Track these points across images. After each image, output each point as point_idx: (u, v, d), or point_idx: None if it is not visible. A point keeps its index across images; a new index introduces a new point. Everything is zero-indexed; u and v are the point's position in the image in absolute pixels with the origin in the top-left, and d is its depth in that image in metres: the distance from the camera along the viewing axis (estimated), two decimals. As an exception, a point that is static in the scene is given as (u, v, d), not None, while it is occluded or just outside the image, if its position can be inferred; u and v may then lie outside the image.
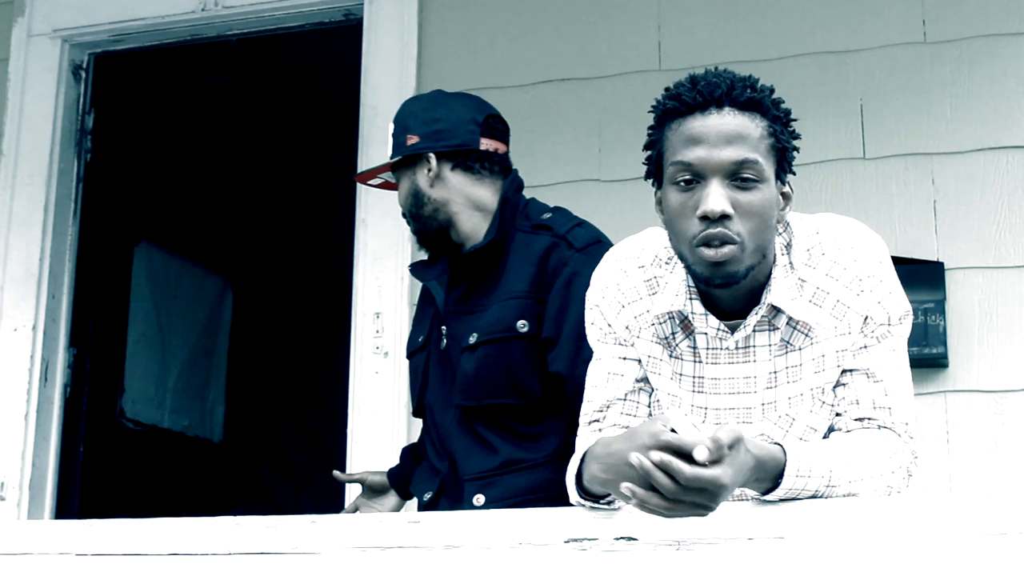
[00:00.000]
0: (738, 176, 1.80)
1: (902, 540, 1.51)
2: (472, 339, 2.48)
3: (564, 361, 2.40)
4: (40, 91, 3.99)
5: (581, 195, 3.20)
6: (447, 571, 1.62)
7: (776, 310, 1.89)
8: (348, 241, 3.66)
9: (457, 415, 2.50)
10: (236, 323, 6.02)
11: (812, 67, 3.37)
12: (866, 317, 1.89)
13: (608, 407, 1.99)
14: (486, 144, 2.60)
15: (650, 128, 1.90)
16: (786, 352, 1.91)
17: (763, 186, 1.82)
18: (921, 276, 3.10)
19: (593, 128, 3.50)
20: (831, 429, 1.95)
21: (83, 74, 4.10)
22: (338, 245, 4.17)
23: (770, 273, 1.89)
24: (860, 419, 1.89)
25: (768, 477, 1.66)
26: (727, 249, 1.79)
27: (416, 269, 2.70)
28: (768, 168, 1.83)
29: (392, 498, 2.83)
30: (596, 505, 1.75)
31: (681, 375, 1.95)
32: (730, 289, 1.85)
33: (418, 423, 2.92)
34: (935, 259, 3.16)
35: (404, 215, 2.66)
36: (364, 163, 3.58)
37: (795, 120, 1.90)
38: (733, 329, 1.91)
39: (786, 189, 1.90)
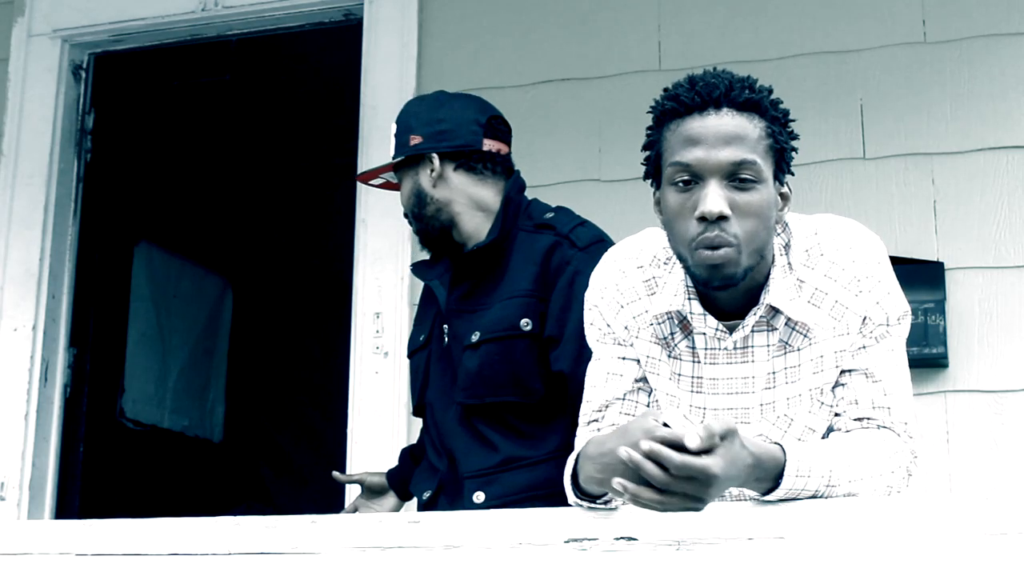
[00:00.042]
0: (736, 177, 1.81)
1: (902, 540, 1.51)
2: (475, 337, 2.48)
3: (567, 360, 2.40)
4: (40, 91, 3.99)
5: (581, 195, 3.20)
6: (447, 571, 1.62)
7: (775, 310, 1.89)
8: (348, 241, 3.66)
9: (458, 413, 2.51)
10: (236, 323, 6.02)
11: (812, 67, 3.37)
12: (865, 317, 1.89)
13: (607, 407, 1.99)
14: (489, 145, 2.61)
15: (648, 129, 1.90)
16: (784, 352, 1.91)
17: (761, 187, 1.82)
18: (921, 276, 3.10)
19: (593, 128, 3.50)
20: (830, 429, 1.95)
21: (83, 74, 4.10)
22: (338, 245, 4.17)
23: (769, 273, 1.89)
24: (859, 419, 1.89)
25: (768, 477, 1.66)
26: (723, 251, 1.79)
27: (418, 269, 2.71)
28: (766, 169, 1.83)
29: (391, 499, 2.83)
30: (593, 505, 1.75)
31: (680, 375, 1.95)
32: (728, 290, 1.85)
33: (418, 423, 2.93)
34: (935, 259, 3.16)
35: (406, 215, 2.67)
36: (364, 163, 3.58)
37: (794, 120, 1.90)
38: (732, 329, 1.91)
39: (784, 190, 1.90)
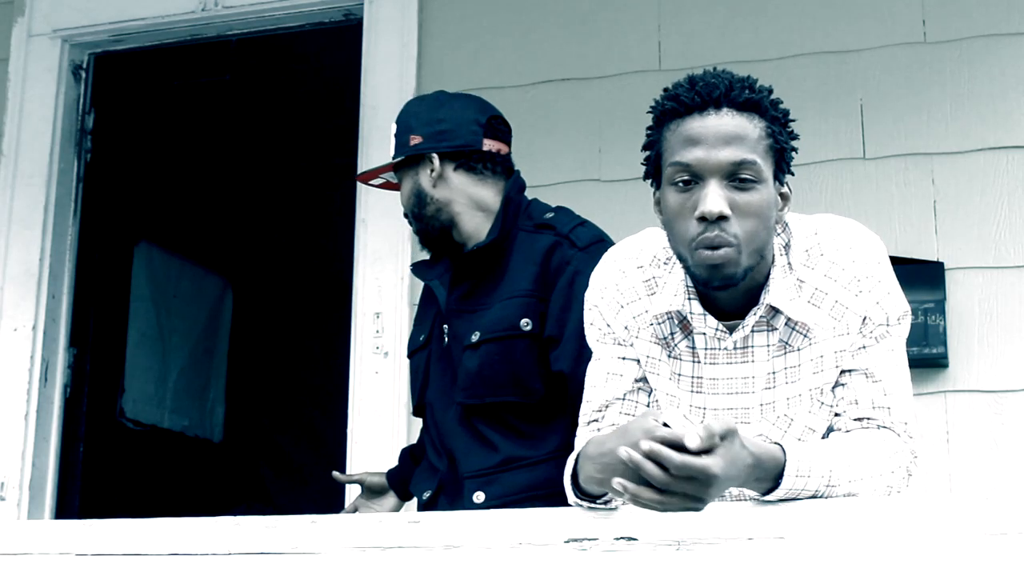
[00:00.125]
0: (736, 177, 1.81)
1: (902, 540, 1.51)
2: (475, 337, 2.48)
3: (567, 360, 2.40)
4: (40, 91, 3.99)
5: (581, 195, 3.20)
6: (447, 571, 1.62)
7: (775, 310, 1.89)
8: (348, 241, 3.66)
9: (458, 413, 2.51)
10: (236, 323, 6.02)
11: (812, 67, 3.37)
12: (864, 317, 1.89)
13: (607, 407, 1.99)
14: (489, 145, 2.61)
15: (648, 129, 1.90)
16: (784, 352, 1.91)
17: (761, 187, 1.82)
18: (921, 276, 3.10)
19: (593, 128, 3.50)
20: (830, 429, 1.95)
21: (83, 74, 4.10)
22: (338, 245, 4.17)
23: (769, 273, 1.89)
24: (859, 419, 1.89)
25: (768, 477, 1.66)
26: (723, 252, 1.79)
27: (418, 269, 2.71)
28: (766, 169, 1.83)
29: (391, 499, 2.83)
30: (593, 505, 1.75)
31: (680, 375, 1.95)
32: (728, 290, 1.85)
33: (418, 423, 2.93)
34: (935, 259, 3.16)
35: (406, 215, 2.67)
36: (364, 163, 3.58)
37: (794, 120, 1.90)
38: (732, 329, 1.91)
39: (784, 190, 1.90)
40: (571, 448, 1.91)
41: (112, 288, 4.56)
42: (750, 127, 1.82)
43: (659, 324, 1.96)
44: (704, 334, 1.92)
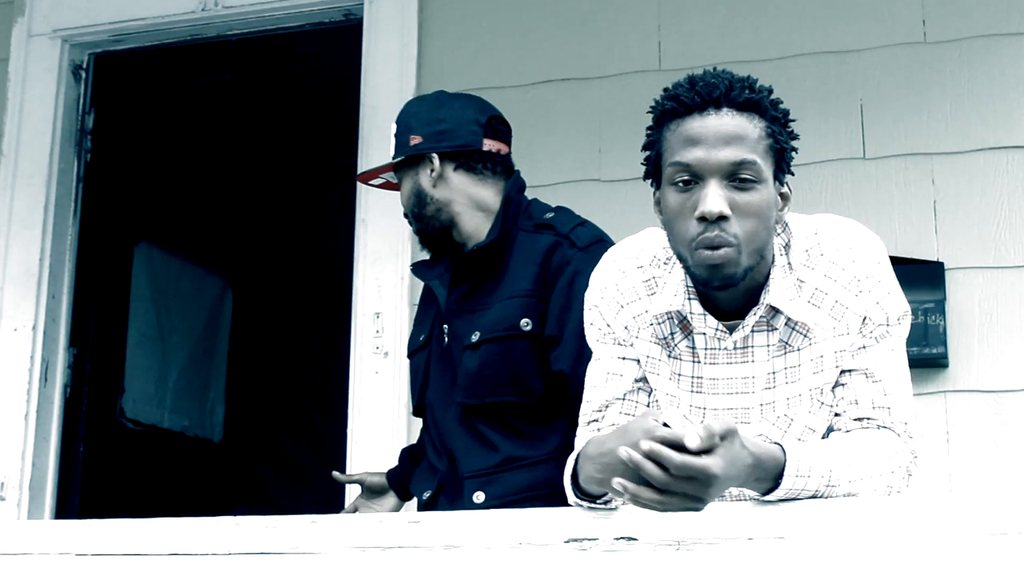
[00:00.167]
0: (736, 177, 1.81)
1: (902, 540, 1.51)
2: (475, 337, 2.48)
3: (567, 360, 2.40)
4: (40, 91, 3.99)
5: (581, 195, 3.20)
6: (447, 571, 1.62)
7: (775, 310, 1.89)
8: (348, 241, 3.66)
9: (458, 413, 2.51)
10: (236, 323, 6.02)
11: (812, 67, 3.37)
12: (864, 318, 1.89)
13: (607, 407, 1.99)
14: (489, 145, 2.61)
15: (648, 129, 1.90)
16: (784, 352, 1.91)
17: (761, 187, 1.82)
18: (921, 276, 3.10)
19: (593, 128, 3.50)
20: (830, 429, 1.95)
21: (83, 74, 4.10)
22: (338, 245, 4.17)
23: (769, 274, 1.89)
24: (859, 419, 1.89)
25: (768, 477, 1.66)
26: (723, 252, 1.79)
27: (418, 269, 2.71)
28: (766, 169, 1.83)
29: (391, 499, 2.83)
30: (593, 505, 1.75)
31: (680, 375, 1.95)
32: (728, 290, 1.85)
33: (418, 423, 2.93)
34: (935, 259, 3.16)
35: (406, 215, 2.67)
36: (364, 163, 3.58)
37: (794, 120, 1.90)
38: (732, 329, 1.91)
39: (784, 190, 1.90)
40: (571, 448, 1.91)
41: (112, 288, 4.56)
42: (750, 127, 1.82)
43: (659, 324, 1.96)
44: (704, 334, 1.92)
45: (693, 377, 1.95)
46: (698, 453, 1.56)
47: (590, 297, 2.04)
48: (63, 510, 3.89)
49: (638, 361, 1.99)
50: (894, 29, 3.35)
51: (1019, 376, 3.07)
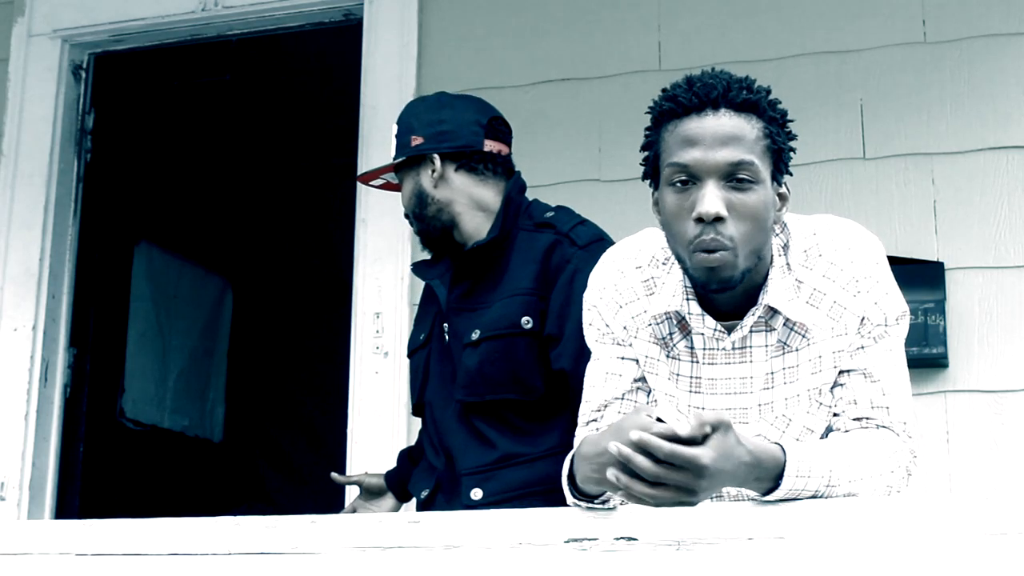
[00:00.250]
0: (734, 177, 1.81)
1: (902, 540, 1.51)
2: (475, 335, 2.49)
3: (568, 358, 2.41)
4: (40, 91, 3.99)
5: (581, 195, 3.20)
6: (447, 571, 1.62)
7: (773, 311, 1.89)
8: (348, 241, 3.66)
9: (457, 411, 2.51)
10: (236, 323, 6.02)
11: (812, 67, 3.37)
12: (863, 318, 1.89)
13: (606, 407, 1.99)
14: (490, 145, 2.61)
15: (647, 129, 1.90)
16: (783, 353, 1.91)
17: (759, 187, 1.82)
18: (921, 276, 3.10)
19: (593, 128, 3.50)
20: (829, 430, 1.95)
21: (83, 74, 4.10)
22: (338, 245, 4.17)
23: (767, 274, 1.89)
24: (858, 419, 1.89)
25: (768, 477, 1.66)
26: (720, 255, 1.79)
27: (419, 268, 2.71)
28: (764, 169, 1.83)
29: (389, 500, 2.83)
30: (592, 505, 1.75)
31: (678, 375, 1.95)
32: (726, 291, 1.85)
33: (418, 423, 2.93)
34: (935, 259, 3.16)
35: (407, 215, 2.67)
36: (364, 163, 3.58)
37: (792, 121, 1.90)
38: (730, 330, 1.91)
39: (783, 190, 1.90)
40: (570, 445, 1.91)
41: (112, 288, 4.56)
42: (748, 128, 1.82)
43: (658, 324, 1.96)
44: (702, 334, 1.92)
45: (692, 377, 1.95)
46: (689, 444, 1.57)
47: (589, 297, 2.04)
48: (63, 510, 3.89)
49: (637, 361, 1.99)
50: (894, 29, 3.35)
51: (1019, 376, 3.07)
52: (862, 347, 1.90)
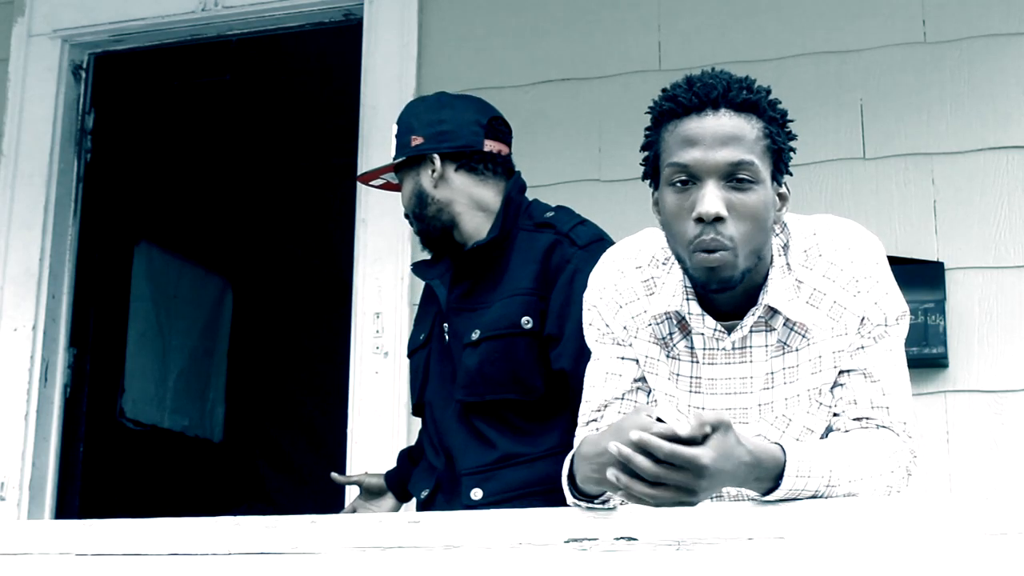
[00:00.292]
0: (734, 177, 1.81)
1: (902, 540, 1.51)
2: (475, 335, 2.49)
3: (568, 358, 2.41)
4: (40, 91, 3.99)
5: (581, 195, 3.20)
6: (447, 571, 1.62)
7: (773, 311, 1.89)
8: (348, 241, 3.66)
9: (456, 410, 2.51)
10: (236, 323, 6.02)
11: (812, 67, 3.37)
12: (863, 318, 1.89)
13: (606, 407, 1.99)
14: (490, 145, 2.61)
15: (647, 129, 1.90)
16: (783, 353, 1.91)
17: (759, 187, 1.82)
18: (921, 276, 3.10)
19: (593, 128, 3.50)
20: (828, 430, 1.95)
21: (83, 74, 4.10)
22: (338, 245, 4.17)
23: (767, 274, 1.89)
24: (858, 419, 1.89)
25: (768, 477, 1.66)
26: (720, 255, 1.79)
27: (419, 268, 2.71)
28: (764, 169, 1.83)
29: (389, 500, 2.83)
30: (592, 505, 1.75)
31: (678, 375, 1.95)
32: (727, 292, 1.85)
33: (418, 423, 2.93)
34: (935, 259, 3.16)
35: (407, 216, 2.67)
36: (364, 163, 3.58)
37: (792, 121, 1.90)
38: (730, 330, 1.91)
39: (783, 190, 1.90)
40: (570, 445, 1.91)
41: (112, 288, 4.56)
42: (747, 128, 1.82)
43: (658, 324, 1.96)
44: (702, 334, 1.92)
45: (692, 377, 1.95)
46: (689, 444, 1.57)
47: (589, 297, 2.04)
48: (63, 510, 3.89)
49: (637, 361, 1.99)
50: (894, 29, 3.35)
51: (1019, 376, 3.07)
52: (862, 347, 1.90)
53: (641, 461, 1.57)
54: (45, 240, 3.89)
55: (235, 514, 1.77)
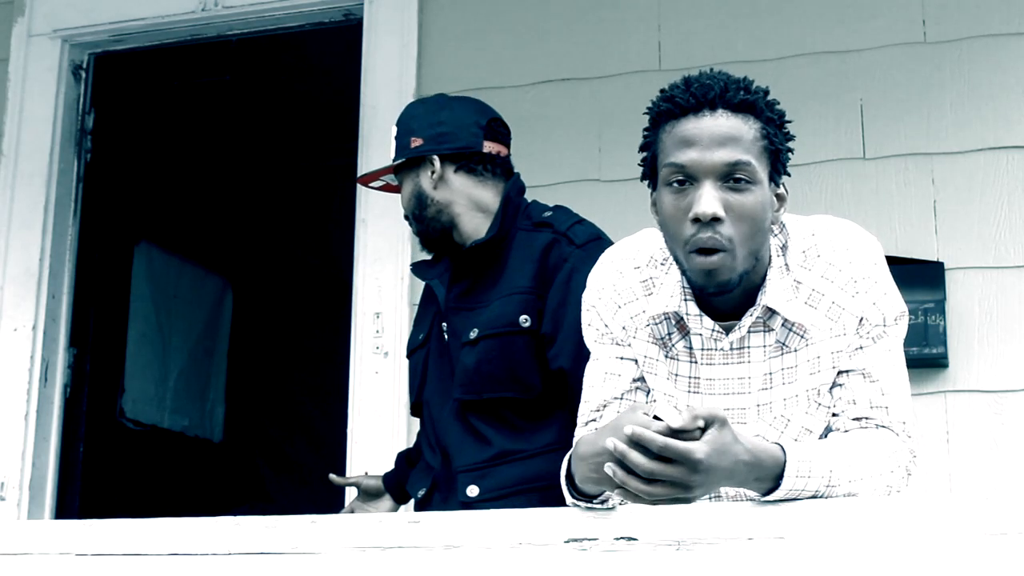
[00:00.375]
0: (731, 178, 1.81)
1: (902, 540, 1.51)
2: (473, 334, 2.49)
3: (567, 357, 2.41)
4: (40, 91, 3.99)
5: (581, 195, 3.20)
6: (447, 571, 1.62)
7: (771, 311, 1.89)
8: (348, 241, 3.66)
9: (454, 408, 2.52)
10: (236, 323, 6.02)
11: (812, 67, 3.37)
12: (861, 318, 1.89)
13: (605, 407, 1.99)
14: (489, 147, 2.62)
15: (645, 130, 1.91)
16: (781, 353, 1.91)
17: (756, 188, 1.82)
18: (921, 276, 3.10)
19: (593, 128, 3.50)
20: (828, 430, 1.95)
21: (83, 74, 4.10)
22: (338, 245, 4.17)
23: (765, 275, 1.89)
24: (858, 419, 1.89)
25: (768, 477, 1.66)
26: (717, 257, 1.79)
27: (418, 268, 2.72)
28: (761, 170, 1.83)
29: (387, 502, 2.84)
30: (591, 505, 1.75)
31: (677, 375, 1.95)
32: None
33: (418, 423, 2.93)
34: (935, 259, 3.16)
35: (407, 217, 2.68)
36: (364, 163, 3.58)
37: (790, 122, 1.90)
38: (728, 330, 1.91)
39: (780, 191, 1.90)
40: (566, 442, 1.91)
41: (112, 288, 4.56)
42: (745, 128, 1.82)
43: (656, 324, 1.96)
44: (701, 335, 1.92)
45: (690, 377, 1.95)
46: (684, 439, 1.57)
47: (588, 298, 2.04)
48: (63, 510, 3.89)
49: (636, 361, 1.99)
50: (894, 29, 3.35)
51: (1019, 376, 3.07)
52: (861, 347, 1.90)
53: (636, 456, 1.58)
54: (45, 240, 3.89)
55: (237, 514, 1.78)
